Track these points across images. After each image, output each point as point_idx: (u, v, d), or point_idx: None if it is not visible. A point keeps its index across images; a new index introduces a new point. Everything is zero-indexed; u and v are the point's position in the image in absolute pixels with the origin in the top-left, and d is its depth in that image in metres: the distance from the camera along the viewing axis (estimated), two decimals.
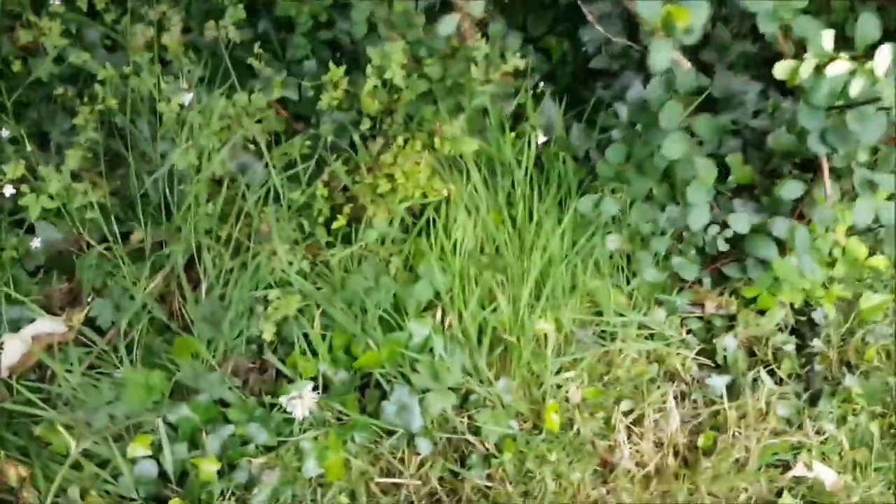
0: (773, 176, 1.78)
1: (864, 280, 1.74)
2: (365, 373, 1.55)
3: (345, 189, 1.65)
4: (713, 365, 1.72)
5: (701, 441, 1.59)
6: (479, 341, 1.57)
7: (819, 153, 1.35)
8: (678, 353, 1.70)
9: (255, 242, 1.59)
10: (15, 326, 1.51)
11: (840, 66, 1.08)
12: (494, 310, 1.57)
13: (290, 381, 1.52)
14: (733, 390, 1.67)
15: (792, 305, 1.78)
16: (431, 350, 1.52)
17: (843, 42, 1.21)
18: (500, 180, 1.63)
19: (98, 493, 1.37)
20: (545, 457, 1.51)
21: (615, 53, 1.74)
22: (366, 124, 1.65)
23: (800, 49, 1.19)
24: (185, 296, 1.58)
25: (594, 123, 1.75)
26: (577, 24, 1.74)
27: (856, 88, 1.09)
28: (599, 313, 1.69)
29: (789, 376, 1.72)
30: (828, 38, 1.10)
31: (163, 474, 1.43)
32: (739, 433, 1.59)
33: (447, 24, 1.40)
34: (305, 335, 1.54)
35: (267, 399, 1.50)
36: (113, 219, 1.62)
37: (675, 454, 1.58)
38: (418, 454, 1.50)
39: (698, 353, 1.72)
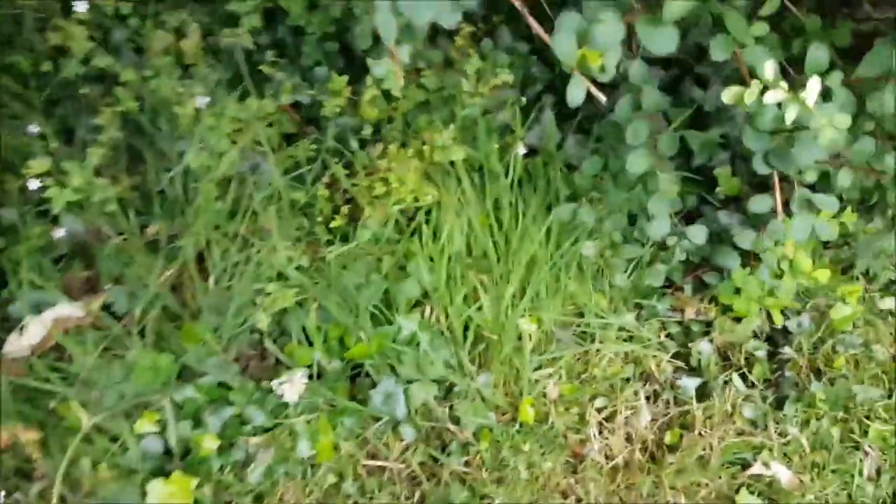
0: (762, 188, 1.87)
1: (836, 293, 1.82)
2: (356, 363, 1.65)
3: (345, 191, 1.77)
4: (686, 368, 1.82)
5: (668, 438, 1.68)
6: (464, 337, 1.68)
7: (761, 173, 1.44)
8: (654, 356, 1.80)
9: (261, 239, 1.71)
10: (37, 309, 1.58)
11: (775, 95, 1.17)
12: (479, 308, 1.68)
13: (288, 368, 1.62)
14: (704, 392, 1.76)
15: (768, 314, 1.87)
16: (418, 344, 1.63)
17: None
18: (488, 187, 1.73)
19: (107, 465, 1.45)
20: (519, 447, 1.61)
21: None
22: (367, 130, 1.77)
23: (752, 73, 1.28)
24: (195, 286, 1.68)
25: (589, 133, 1.83)
26: None
27: (790, 116, 1.17)
28: (581, 315, 1.80)
29: (761, 381, 1.81)
30: (769, 68, 1.18)
31: (167, 450, 1.52)
32: (705, 432, 1.69)
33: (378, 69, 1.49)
34: (303, 326, 1.65)
35: (265, 384, 1.60)
36: (131, 212, 1.71)
37: (644, 449, 1.68)
38: (402, 440, 1.60)
39: (675, 357, 1.81)
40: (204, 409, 1.56)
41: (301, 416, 1.58)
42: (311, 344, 1.64)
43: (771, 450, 1.67)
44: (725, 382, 1.77)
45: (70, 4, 1.66)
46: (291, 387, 1.52)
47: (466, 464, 1.61)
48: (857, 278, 1.87)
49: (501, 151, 1.71)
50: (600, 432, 1.67)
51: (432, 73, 1.76)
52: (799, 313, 1.85)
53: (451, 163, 1.72)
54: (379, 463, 1.60)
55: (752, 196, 1.76)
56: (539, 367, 1.71)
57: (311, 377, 1.60)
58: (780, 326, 1.86)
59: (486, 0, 1.78)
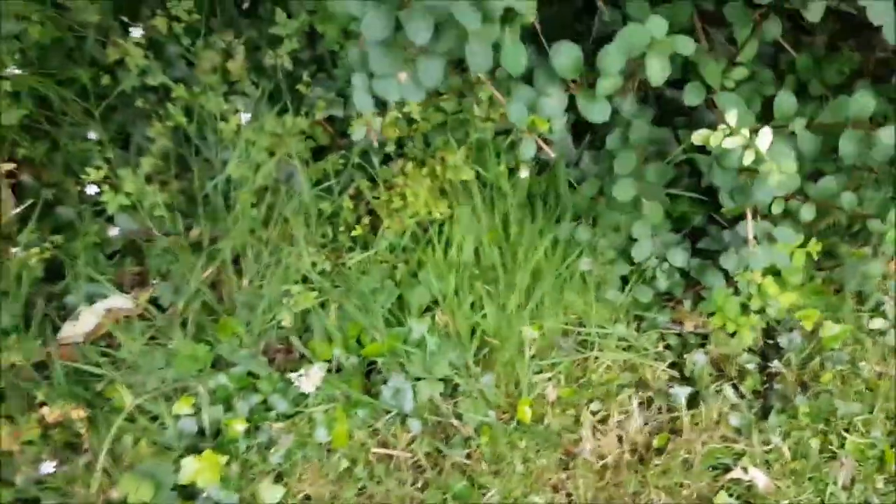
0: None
1: (827, 311, 1.93)
2: (371, 360, 1.80)
3: (367, 203, 1.93)
4: (681, 377, 1.93)
5: (656, 441, 1.80)
6: (470, 341, 1.83)
7: (727, 207, 1.57)
8: (651, 365, 1.92)
9: (290, 245, 1.87)
10: (91, 300, 1.74)
11: (734, 142, 1.30)
12: (484, 315, 1.83)
13: (310, 362, 1.78)
14: (695, 401, 1.88)
15: (764, 330, 1.98)
16: (426, 346, 1.77)
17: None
18: (496, 203, 1.88)
19: (147, 442, 1.60)
20: (516, 444, 1.75)
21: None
22: (389, 148, 1.92)
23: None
24: (231, 285, 1.82)
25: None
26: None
27: (748, 159, 1.30)
28: (582, 324, 1.94)
29: (752, 392, 1.92)
30: (731, 116, 1.31)
31: (201, 430, 1.66)
32: (692, 437, 1.81)
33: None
34: (324, 325, 1.80)
35: (289, 376, 1.76)
36: (178, 215, 1.83)
37: (633, 451, 1.80)
38: (409, 432, 1.74)
39: (671, 366, 1.92)
40: (234, 395, 1.71)
41: (319, 405, 1.73)
42: (331, 341, 1.81)
43: (752, 456, 1.79)
44: (717, 392, 1.89)
45: (128, 23, 1.79)
46: (308, 379, 1.68)
47: (467, 456, 1.75)
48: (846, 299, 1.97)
49: (511, 171, 1.85)
50: (593, 434, 1.80)
51: (451, 97, 1.91)
52: (791, 330, 1.95)
53: (464, 180, 1.87)
54: (388, 451, 1.74)
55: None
56: (539, 371, 1.84)
57: (330, 371, 1.77)
58: (772, 341, 1.97)
59: None
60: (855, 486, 1.77)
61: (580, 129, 1.93)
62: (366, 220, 1.88)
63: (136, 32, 1.77)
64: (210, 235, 1.88)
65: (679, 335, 1.99)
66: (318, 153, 1.95)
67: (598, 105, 1.39)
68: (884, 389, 1.91)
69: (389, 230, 1.85)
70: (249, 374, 1.75)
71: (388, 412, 1.76)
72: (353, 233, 1.86)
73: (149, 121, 1.84)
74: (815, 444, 1.81)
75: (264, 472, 1.67)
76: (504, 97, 1.50)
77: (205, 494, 1.60)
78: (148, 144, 1.86)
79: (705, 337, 1.98)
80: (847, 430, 1.83)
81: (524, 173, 1.70)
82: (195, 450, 1.65)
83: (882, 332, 1.97)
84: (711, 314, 1.95)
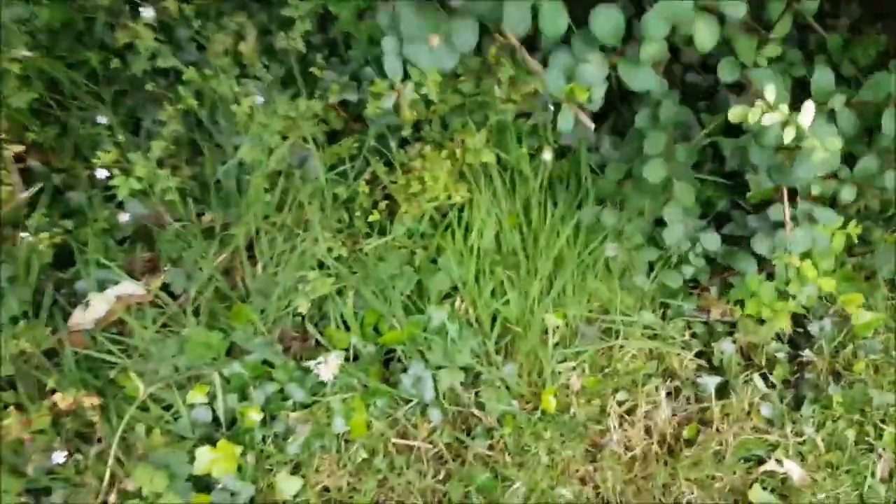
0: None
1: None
2: (389, 348, 1.76)
3: (384, 187, 1.88)
4: (709, 366, 1.88)
5: (686, 432, 1.75)
6: (491, 329, 1.78)
7: (765, 186, 1.50)
8: (678, 354, 1.86)
9: (305, 230, 1.83)
10: (102, 287, 1.70)
11: (773, 118, 1.24)
12: (506, 302, 1.77)
13: (327, 350, 1.73)
14: (724, 391, 1.83)
15: (793, 317, 1.92)
16: (447, 333, 1.72)
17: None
18: (518, 188, 1.82)
19: (160, 432, 1.56)
20: (541, 434, 1.70)
21: None
22: (406, 131, 1.87)
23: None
24: (245, 271, 1.79)
25: (623, 135, 1.89)
26: None
27: (788, 136, 1.24)
28: (606, 312, 1.88)
29: (782, 382, 1.87)
30: (769, 91, 1.25)
31: (215, 419, 1.63)
32: (723, 428, 1.75)
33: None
34: (341, 312, 1.75)
35: (306, 364, 1.71)
36: (189, 200, 1.80)
37: (661, 442, 1.75)
38: (430, 422, 1.70)
39: (698, 355, 1.87)
40: (249, 384, 1.68)
41: (337, 394, 1.69)
42: (348, 329, 1.76)
43: (786, 448, 1.73)
44: (746, 382, 1.83)
45: (138, 4, 1.75)
46: (326, 367, 1.63)
47: (490, 447, 1.70)
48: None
49: (532, 154, 1.80)
50: (620, 424, 1.75)
51: (469, 79, 1.85)
52: (821, 318, 1.89)
53: (484, 163, 1.81)
54: (408, 442, 1.70)
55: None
56: (563, 360, 1.79)
57: (347, 359, 1.72)
58: (802, 330, 1.91)
59: None
60: (894, 480, 1.70)
61: (598, 113, 1.87)
62: (382, 204, 1.83)
63: (147, 13, 1.72)
64: (222, 221, 1.85)
65: (705, 323, 1.93)
66: (332, 137, 1.91)
67: (641, 72, 1.30)
68: None
69: (407, 215, 1.79)
70: (264, 362, 1.71)
71: (408, 401, 1.71)
72: (370, 218, 1.80)
73: (159, 105, 1.80)
74: (850, 435, 1.75)
75: (281, 463, 1.63)
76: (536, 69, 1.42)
77: (220, 485, 1.57)
78: (158, 129, 1.82)
79: (733, 325, 1.92)
80: (883, 421, 1.77)
81: (548, 155, 1.65)
82: (210, 440, 1.62)
83: None
84: (738, 302, 1.90)
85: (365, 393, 1.70)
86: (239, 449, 1.58)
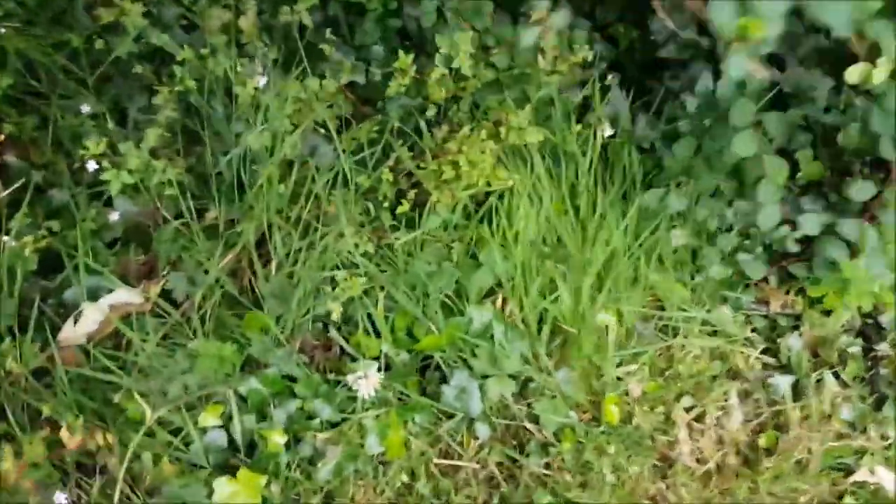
0: (843, 173, 1.74)
1: None
2: (426, 355, 1.56)
3: (409, 174, 1.68)
4: (777, 364, 1.70)
5: (762, 440, 1.57)
6: (539, 330, 1.58)
7: (890, 158, 1.32)
8: (742, 352, 1.68)
9: (323, 224, 1.62)
10: (93, 295, 1.53)
11: None
12: (555, 300, 1.57)
13: (354, 359, 1.54)
14: (797, 391, 1.65)
15: (859, 308, 1.75)
16: (491, 336, 1.53)
17: None
18: (564, 171, 1.63)
19: (170, 460, 1.39)
20: (604, 449, 1.51)
21: (684, 43, 1.72)
22: (431, 111, 1.68)
23: (874, 51, 1.15)
24: (256, 272, 1.61)
25: (660, 114, 1.73)
26: (645, 13, 1.72)
27: None
28: (662, 308, 1.69)
29: (854, 379, 1.69)
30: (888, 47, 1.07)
31: (232, 443, 1.45)
32: (802, 434, 1.57)
33: (529, 36, 1.40)
34: (369, 315, 1.56)
35: (331, 376, 1.52)
36: (189, 195, 1.64)
37: (737, 452, 1.57)
38: (477, 438, 1.51)
39: (762, 352, 1.70)
40: (269, 402, 1.49)
41: (369, 410, 1.49)
42: (378, 335, 1.55)
43: (873, 454, 1.55)
44: (818, 381, 1.66)
45: None
46: (367, 382, 1.43)
47: (547, 466, 1.51)
48: None
49: (578, 133, 1.61)
50: (689, 434, 1.56)
51: (502, 52, 1.66)
52: None
53: (525, 145, 1.62)
54: (453, 462, 1.51)
55: (838, 181, 1.65)
56: (620, 364, 1.60)
57: (378, 370, 1.51)
58: (871, 321, 1.74)
59: None
60: None
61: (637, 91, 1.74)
62: (411, 194, 1.63)
63: None
64: (227, 217, 1.69)
65: (765, 316, 1.76)
66: (341, 123, 1.74)
67: (837, 6, 1.04)
68: None
69: (440, 204, 1.59)
70: (285, 376, 1.52)
71: (451, 416, 1.52)
72: (399, 209, 1.60)
73: (146, 92, 1.71)
74: None
75: (311, 492, 1.44)
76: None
77: None
78: (146, 118, 1.70)
79: (797, 318, 1.74)
80: None
81: (608, 131, 1.46)
82: (226, 467, 1.44)
83: None
84: (800, 291, 1.73)
85: (401, 407, 1.50)
86: (262, 479, 1.38)
